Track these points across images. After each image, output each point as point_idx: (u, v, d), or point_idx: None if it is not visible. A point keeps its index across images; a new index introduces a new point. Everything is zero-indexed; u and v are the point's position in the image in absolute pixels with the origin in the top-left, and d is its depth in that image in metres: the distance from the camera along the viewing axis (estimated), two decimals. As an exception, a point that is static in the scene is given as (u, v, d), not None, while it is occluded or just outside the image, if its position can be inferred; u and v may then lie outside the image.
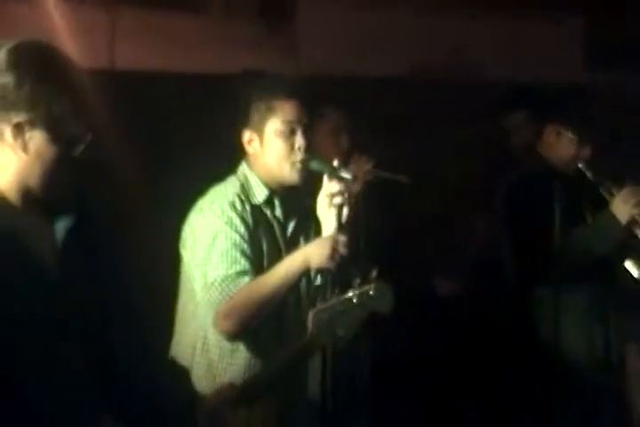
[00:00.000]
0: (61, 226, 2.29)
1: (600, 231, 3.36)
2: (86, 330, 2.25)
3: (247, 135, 2.84)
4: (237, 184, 2.87)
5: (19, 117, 2.19)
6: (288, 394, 2.65)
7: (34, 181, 2.26)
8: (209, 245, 2.80)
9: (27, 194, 2.27)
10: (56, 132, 2.22)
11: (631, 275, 3.42)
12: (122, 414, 2.18)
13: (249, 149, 2.86)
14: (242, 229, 2.80)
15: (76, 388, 2.16)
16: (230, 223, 2.81)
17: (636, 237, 3.34)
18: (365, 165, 3.49)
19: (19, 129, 2.21)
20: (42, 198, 2.28)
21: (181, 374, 2.75)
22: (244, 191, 2.87)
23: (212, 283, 2.72)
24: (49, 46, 2.28)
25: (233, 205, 2.83)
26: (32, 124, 2.20)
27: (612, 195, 3.34)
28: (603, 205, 3.33)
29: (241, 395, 2.33)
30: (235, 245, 2.77)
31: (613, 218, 3.32)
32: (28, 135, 2.22)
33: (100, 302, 2.33)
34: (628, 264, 3.42)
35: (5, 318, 2.02)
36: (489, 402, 3.66)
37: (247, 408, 2.38)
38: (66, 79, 2.26)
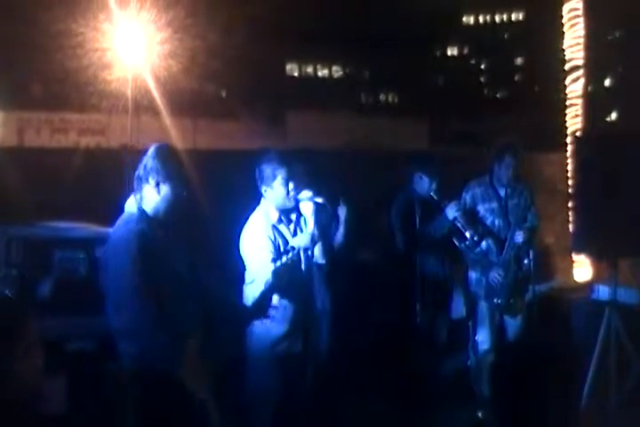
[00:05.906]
0: (170, 229, 3.52)
1: (441, 223, 5.72)
2: (183, 270, 3.55)
3: (263, 187, 4.55)
4: (262, 212, 4.57)
5: (157, 178, 3.36)
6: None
7: (161, 209, 3.46)
8: (251, 241, 4.52)
9: (157, 214, 3.44)
10: (173, 186, 3.38)
11: (455, 244, 5.85)
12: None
13: (264, 193, 4.56)
14: (264, 234, 4.50)
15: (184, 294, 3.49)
16: (259, 232, 4.51)
17: (457, 226, 5.72)
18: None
19: (157, 183, 3.38)
20: (162, 216, 3.49)
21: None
22: (266, 215, 4.56)
23: (252, 259, 4.41)
24: (169, 145, 3.55)
25: (260, 224, 4.54)
26: (163, 181, 3.39)
27: (445, 206, 5.66)
28: (441, 212, 5.72)
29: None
30: (261, 242, 4.46)
31: (446, 217, 5.68)
32: (161, 186, 3.38)
33: (188, 259, 3.65)
34: (453, 239, 5.83)
35: (156, 266, 3.37)
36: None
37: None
38: (175, 159, 3.43)
